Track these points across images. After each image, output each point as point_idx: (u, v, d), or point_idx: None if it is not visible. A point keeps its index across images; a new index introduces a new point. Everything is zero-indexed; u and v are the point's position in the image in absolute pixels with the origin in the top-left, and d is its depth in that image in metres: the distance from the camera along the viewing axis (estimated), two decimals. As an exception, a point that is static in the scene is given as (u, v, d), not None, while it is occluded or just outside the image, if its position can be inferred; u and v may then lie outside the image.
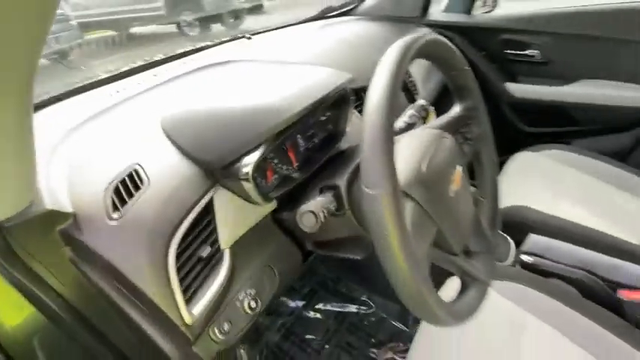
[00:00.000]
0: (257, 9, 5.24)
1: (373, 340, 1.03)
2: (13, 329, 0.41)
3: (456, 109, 0.55)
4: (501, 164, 1.12)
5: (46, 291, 0.39)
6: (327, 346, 1.03)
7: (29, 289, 0.39)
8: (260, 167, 0.48)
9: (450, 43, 0.47)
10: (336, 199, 0.48)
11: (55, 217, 0.39)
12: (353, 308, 1.13)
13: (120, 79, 0.73)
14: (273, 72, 0.63)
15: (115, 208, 0.41)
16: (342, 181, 0.49)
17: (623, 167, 1.04)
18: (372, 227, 0.35)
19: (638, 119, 1.17)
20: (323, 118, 0.60)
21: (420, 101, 0.65)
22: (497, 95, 1.33)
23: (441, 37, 0.45)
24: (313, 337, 1.06)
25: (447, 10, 1.37)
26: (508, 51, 1.28)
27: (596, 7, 1.14)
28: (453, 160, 0.47)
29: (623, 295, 0.71)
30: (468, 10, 1.34)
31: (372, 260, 1.08)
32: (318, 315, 1.12)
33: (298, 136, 0.58)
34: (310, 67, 0.61)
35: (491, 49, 1.31)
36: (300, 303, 1.15)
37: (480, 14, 1.34)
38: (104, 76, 0.73)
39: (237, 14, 4.90)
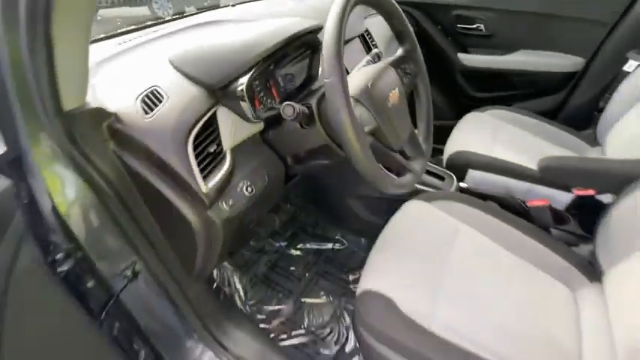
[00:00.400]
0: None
1: (345, 268, 1.23)
2: (71, 203, 0.55)
3: (398, 51, 0.72)
4: (455, 123, 1.32)
5: (94, 170, 0.54)
6: (307, 274, 1.22)
7: (83, 167, 0.53)
8: (250, 90, 0.64)
9: None
10: (310, 115, 0.65)
11: (102, 114, 0.53)
12: (329, 245, 1.31)
13: (125, 34, 0.85)
14: (255, 22, 0.78)
15: (145, 112, 0.56)
16: (313, 102, 0.65)
17: (551, 123, 1.27)
18: (335, 124, 0.51)
19: (563, 83, 1.40)
20: (298, 57, 0.75)
21: (374, 50, 0.82)
22: (451, 64, 1.53)
23: None
24: (295, 268, 1.24)
25: (409, -11, 1.55)
26: (459, 25, 1.48)
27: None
28: (392, 84, 0.64)
29: (529, 204, 0.93)
30: (427, -11, 1.53)
31: (344, 204, 1.29)
32: (299, 252, 1.30)
33: (279, 77, 0.74)
34: (285, 18, 0.77)
35: (446, 24, 1.50)
36: (284, 243, 1.33)
37: (437, -7, 1.52)
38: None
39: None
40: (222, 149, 0.62)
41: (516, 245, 0.81)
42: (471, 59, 1.49)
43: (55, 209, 0.53)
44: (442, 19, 1.50)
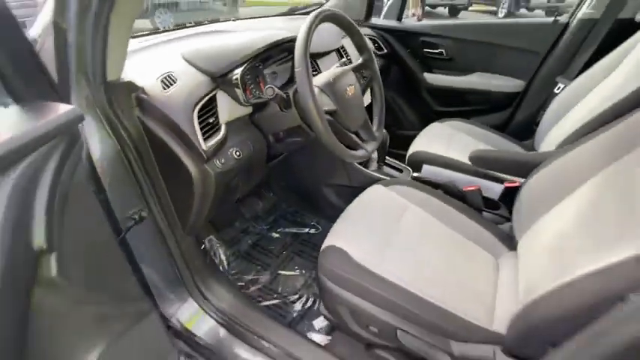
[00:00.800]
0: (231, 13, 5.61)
1: (318, 248, 1.39)
2: (101, 154, 0.73)
3: (359, 60, 0.95)
4: (419, 132, 1.55)
5: (122, 129, 0.72)
6: (284, 252, 1.39)
7: (115, 126, 0.72)
8: (242, 80, 0.84)
9: (347, 16, 0.86)
10: (287, 100, 0.85)
11: (132, 86, 0.72)
12: (305, 230, 1.49)
13: (144, 36, 1.06)
14: (248, 32, 1.00)
15: (164, 89, 0.76)
16: (291, 90, 0.86)
17: (497, 134, 1.51)
18: (304, 108, 0.71)
19: (509, 101, 1.66)
20: (281, 59, 0.97)
21: (343, 59, 1.05)
22: (418, 82, 1.78)
23: (340, 12, 0.85)
24: (274, 247, 1.41)
25: (385, 17, 1.82)
26: (425, 49, 1.74)
27: (482, 21, 1.64)
28: (350, 81, 0.86)
29: (464, 189, 1.14)
30: (400, 19, 1.81)
31: (319, 193, 1.51)
32: (279, 235, 1.48)
33: (266, 74, 0.95)
34: (272, 30, 0.99)
35: (414, 48, 1.77)
36: (266, 227, 1.50)
37: (407, 22, 1.80)
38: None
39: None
40: (218, 122, 0.82)
41: (452, 221, 1.00)
42: (435, 78, 1.75)
43: (89, 157, 0.71)
44: (411, 43, 1.77)
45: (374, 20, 1.80)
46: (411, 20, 1.81)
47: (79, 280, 0.51)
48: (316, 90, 0.76)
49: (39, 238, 0.40)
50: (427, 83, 1.76)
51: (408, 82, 1.79)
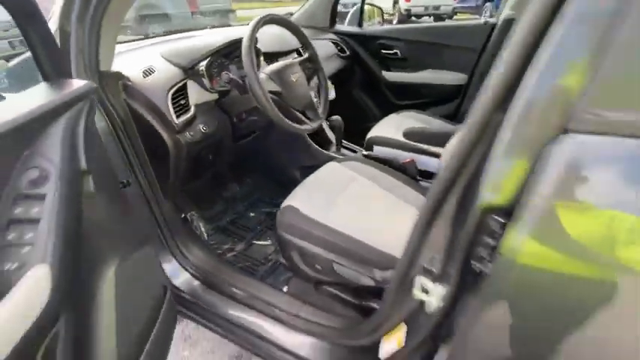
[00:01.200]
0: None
1: (289, 223, 1.60)
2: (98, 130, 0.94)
3: (305, 55, 1.17)
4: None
5: (113, 109, 0.93)
6: (258, 227, 1.59)
7: (107, 108, 0.93)
8: (208, 72, 1.06)
9: (290, 20, 1.09)
10: (243, 86, 1.07)
11: (120, 76, 0.94)
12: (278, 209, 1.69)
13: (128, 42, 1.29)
14: (215, 34, 1.23)
15: (144, 77, 0.97)
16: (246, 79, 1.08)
17: (446, 122, 1.73)
18: (251, 89, 0.93)
19: (456, 93, 1.89)
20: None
21: (300, 57, 1.27)
22: (377, 79, 2.02)
23: (283, 17, 1.07)
24: (250, 224, 1.61)
25: (348, 24, 2.07)
26: (382, 51, 1.98)
27: (428, 25, 1.88)
28: (295, 71, 1.08)
29: (402, 162, 1.35)
30: (360, 25, 2.05)
31: (289, 175, 1.75)
32: (254, 214, 1.68)
33: (230, 68, 1.17)
34: (237, 33, 1.22)
35: (373, 50, 2.01)
36: (243, 208, 1.70)
37: (366, 27, 2.05)
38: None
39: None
40: (189, 103, 1.04)
41: (390, 186, 1.21)
42: (392, 76, 1.99)
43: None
44: (370, 46, 2.01)
45: (338, 27, 2.05)
46: (373, 26, 2.05)
47: (105, 197, 0.70)
48: (265, 76, 0.98)
49: (82, 163, 0.60)
50: (386, 80, 2.00)
51: (370, 79, 2.03)
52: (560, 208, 0.37)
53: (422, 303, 0.62)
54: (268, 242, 1.50)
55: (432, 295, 0.59)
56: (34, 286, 0.48)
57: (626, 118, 0.34)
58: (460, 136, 0.49)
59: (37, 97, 0.59)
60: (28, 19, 0.58)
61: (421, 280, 0.62)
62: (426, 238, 0.61)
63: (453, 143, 1.12)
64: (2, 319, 0.43)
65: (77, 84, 0.65)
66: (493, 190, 0.43)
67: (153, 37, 1.40)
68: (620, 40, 0.33)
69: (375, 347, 0.82)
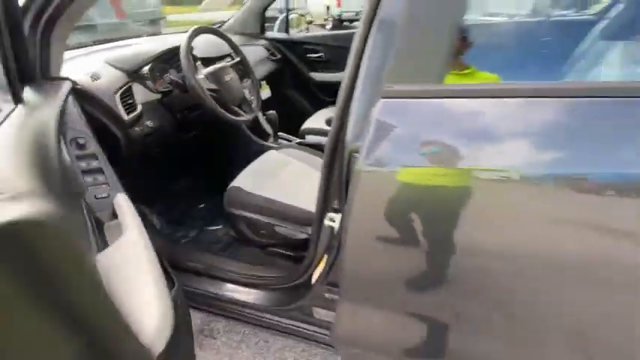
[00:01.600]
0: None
1: (236, 209, 1.79)
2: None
3: (236, 59, 1.39)
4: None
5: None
6: (209, 215, 1.75)
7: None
8: (151, 74, 1.22)
9: (219, 30, 1.30)
10: (183, 85, 1.24)
11: (70, 80, 1.07)
12: (225, 198, 1.86)
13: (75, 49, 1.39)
14: (155, 42, 1.39)
15: (93, 81, 1.11)
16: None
17: None
18: (190, 86, 1.12)
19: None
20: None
21: (233, 60, 1.48)
22: (307, 79, 2.29)
23: (214, 27, 1.28)
24: (200, 214, 1.76)
25: (277, 31, 2.32)
26: (308, 55, 2.27)
27: (343, 32, 2.21)
28: (228, 71, 1.29)
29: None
30: (287, 31, 2.32)
31: (240, 169, 1.90)
32: (204, 204, 1.83)
33: (171, 72, 1.33)
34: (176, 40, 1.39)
35: (300, 54, 2.28)
36: (193, 200, 1.85)
37: (293, 34, 2.32)
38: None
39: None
40: (135, 103, 1.19)
41: (319, 165, 1.46)
42: (319, 76, 2.28)
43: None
44: (298, 51, 2.28)
45: (268, 33, 2.28)
46: (300, 33, 2.33)
47: None
48: (202, 76, 1.18)
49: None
50: (314, 80, 2.28)
51: (300, 80, 2.29)
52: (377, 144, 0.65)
53: (332, 229, 0.88)
54: (220, 227, 1.68)
55: (337, 221, 0.85)
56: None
57: (406, 88, 0.63)
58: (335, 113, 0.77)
59: (49, 95, 0.80)
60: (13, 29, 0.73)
61: (330, 215, 0.88)
62: (329, 186, 0.88)
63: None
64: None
65: (66, 83, 0.84)
66: (352, 141, 0.70)
67: (85, 46, 1.50)
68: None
69: (309, 281, 1.07)
